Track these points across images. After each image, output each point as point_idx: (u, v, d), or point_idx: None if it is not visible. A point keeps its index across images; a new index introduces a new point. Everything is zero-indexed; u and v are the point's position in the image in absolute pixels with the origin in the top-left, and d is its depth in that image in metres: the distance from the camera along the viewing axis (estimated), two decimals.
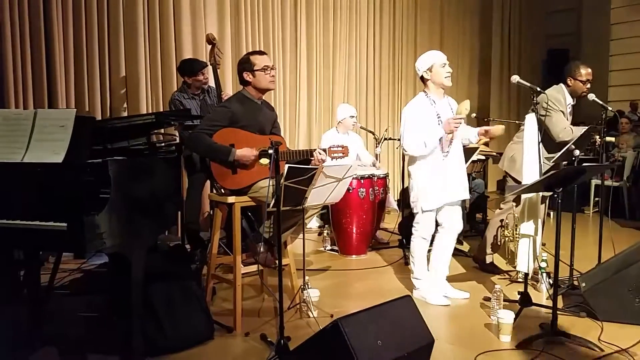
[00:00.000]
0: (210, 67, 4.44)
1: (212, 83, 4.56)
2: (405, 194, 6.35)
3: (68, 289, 3.60)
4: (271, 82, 3.25)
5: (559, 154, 3.76)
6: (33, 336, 2.72)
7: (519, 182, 3.84)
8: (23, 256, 2.85)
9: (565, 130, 3.78)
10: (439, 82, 3.43)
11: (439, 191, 3.44)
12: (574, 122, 4.01)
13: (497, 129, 3.45)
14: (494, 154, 6.08)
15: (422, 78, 3.50)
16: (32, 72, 4.49)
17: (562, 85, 3.93)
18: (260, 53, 3.29)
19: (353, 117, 5.34)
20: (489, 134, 3.47)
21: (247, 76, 3.22)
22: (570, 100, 3.95)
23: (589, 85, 3.89)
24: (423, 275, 3.58)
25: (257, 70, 3.19)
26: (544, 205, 3.51)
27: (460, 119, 3.33)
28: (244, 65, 3.22)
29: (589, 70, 3.89)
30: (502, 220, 4.12)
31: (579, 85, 3.87)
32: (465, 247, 5.16)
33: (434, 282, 3.59)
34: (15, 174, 2.25)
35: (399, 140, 5.39)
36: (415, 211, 3.57)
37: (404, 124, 3.46)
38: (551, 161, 3.82)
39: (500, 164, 4.25)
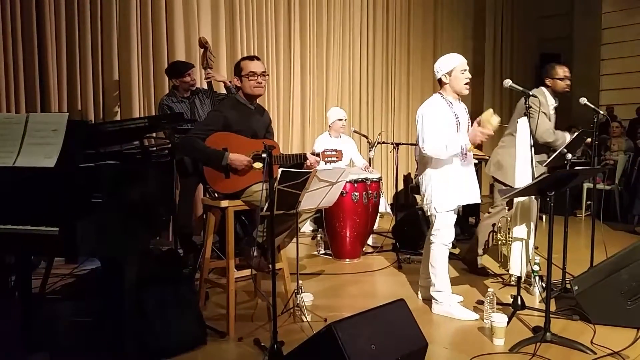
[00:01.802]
0: (196, 69, 4.45)
1: (204, 85, 4.55)
2: (398, 197, 6.37)
3: (60, 294, 3.57)
4: (256, 88, 3.23)
5: (552, 157, 3.79)
6: (25, 341, 2.70)
7: (507, 186, 3.87)
8: (14, 261, 2.83)
9: (547, 131, 3.84)
10: (458, 89, 3.34)
11: (456, 193, 3.36)
12: (565, 125, 4.06)
13: (487, 114, 3.36)
14: (487, 157, 6.11)
15: (439, 81, 3.41)
16: (24, 75, 4.47)
17: (542, 87, 4.00)
18: (251, 58, 3.27)
19: (341, 120, 5.36)
20: (482, 125, 3.36)
21: (236, 81, 3.26)
22: (552, 102, 4.02)
23: (568, 82, 3.99)
24: (446, 288, 3.39)
25: (243, 76, 3.21)
26: (535, 207, 3.51)
27: (489, 133, 3.22)
28: (235, 69, 3.27)
29: (565, 68, 4.01)
30: (494, 225, 4.13)
31: (558, 83, 3.97)
32: (456, 250, 5.17)
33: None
34: (7, 178, 2.23)
35: (392, 144, 5.49)
36: (430, 213, 3.41)
37: (422, 124, 3.31)
38: (544, 164, 3.85)
39: (486, 169, 4.27)
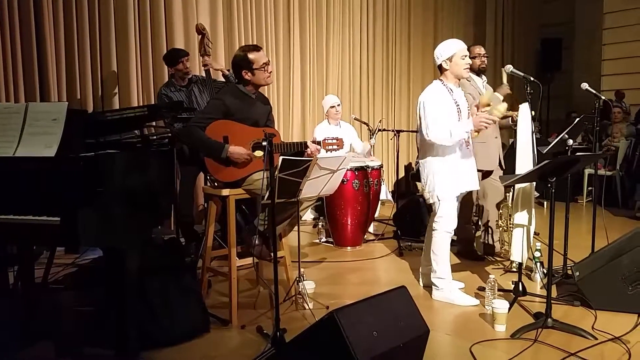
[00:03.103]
0: (192, 57, 4.41)
1: (202, 72, 4.53)
2: (399, 184, 6.37)
3: (62, 284, 3.59)
4: (268, 78, 3.24)
5: (553, 143, 3.77)
6: (28, 331, 2.71)
7: None
8: (16, 251, 2.84)
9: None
10: (458, 74, 3.36)
11: (458, 180, 3.37)
12: (565, 111, 4.07)
13: (486, 96, 3.40)
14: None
15: (440, 67, 3.41)
16: (22, 65, 4.45)
17: None
18: (257, 49, 3.22)
19: (334, 106, 5.33)
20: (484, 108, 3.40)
21: (246, 74, 3.19)
22: (479, 80, 4.27)
23: (483, 59, 4.33)
24: (447, 274, 3.42)
25: (256, 69, 3.17)
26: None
27: (493, 119, 3.25)
28: (242, 63, 3.18)
29: (480, 46, 4.43)
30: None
31: (474, 62, 4.20)
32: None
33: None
34: (7, 168, 2.23)
35: (392, 131, 5.47)
36: (432, 201, 3.42)
37: (424, 112, 3.31)
38: (545, 151, 3.84)
39: None
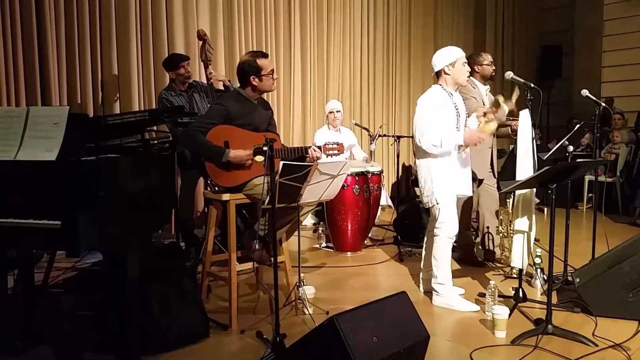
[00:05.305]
0: (193, 62, 4.42)
1: (203, 79, 4.54)
2: (399, 190, 6.37)
3: (62, 288, 3.58)
4: (273, 85, 3.29)
5: (553, 149, 3.78)
6: (28, 335, 2.71)
7: None
8: (16, 254, 2.84)
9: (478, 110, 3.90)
10: (459, 80, 3.39)
11: (454, 182, 3.38)
12: (566, 118, 4.09)
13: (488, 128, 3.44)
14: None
15: (439, 72, 3.42)
16: (24, 69, 4.46)
17: (471, 77, 4.08)
18: (265, 56, 3.26)
19: (332, 112, 5.35)
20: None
21: (254, 80, 3.20)
22: (483, 87, 4.26)
23: (493, 67, 4.35)
24: (448, 281, 3.41)
25: (264, 75, 3.20)
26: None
27: (482, 137, 3.32)
28: (251, 69, 3.19)
29: (489, 54, 4.42)
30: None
31: (486, 69, 4.28)
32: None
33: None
34: (8, 172, 2.23)
35: (393, 137, 5.48)
36: (430, 205, 3.42)
37: (420, 115, 3.33)
38: (545, 157, 3.85)
39: None
